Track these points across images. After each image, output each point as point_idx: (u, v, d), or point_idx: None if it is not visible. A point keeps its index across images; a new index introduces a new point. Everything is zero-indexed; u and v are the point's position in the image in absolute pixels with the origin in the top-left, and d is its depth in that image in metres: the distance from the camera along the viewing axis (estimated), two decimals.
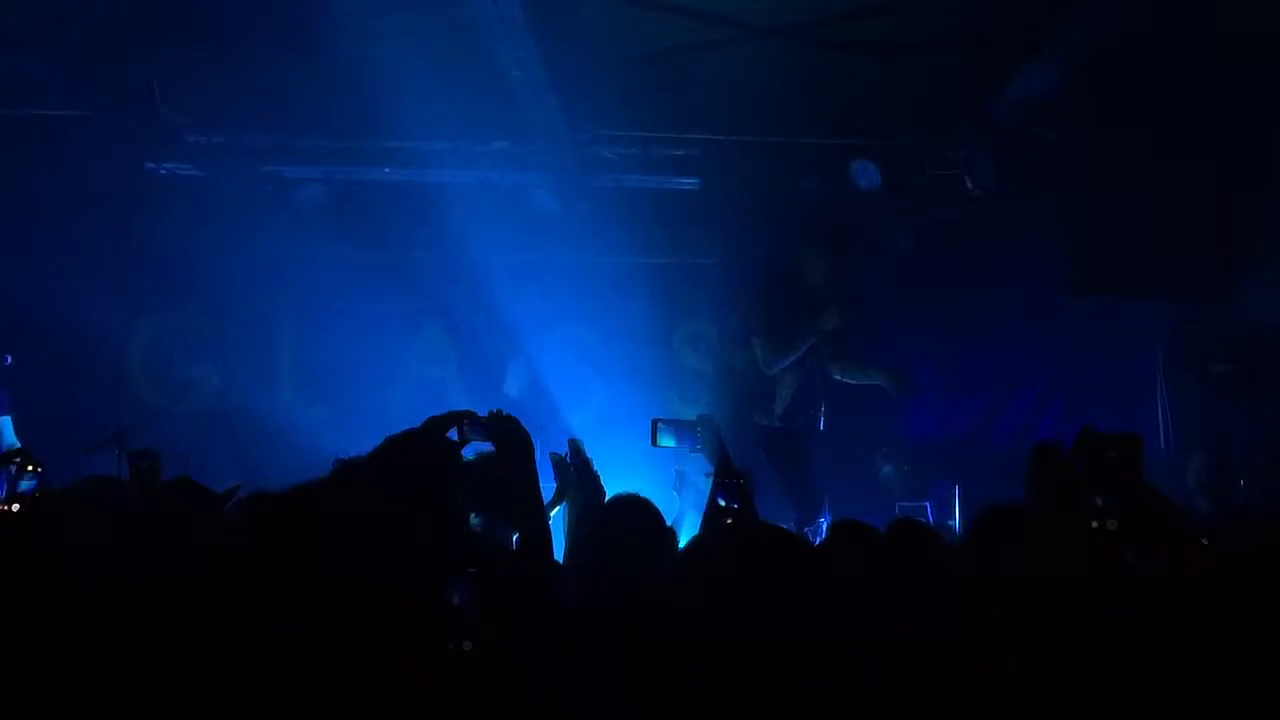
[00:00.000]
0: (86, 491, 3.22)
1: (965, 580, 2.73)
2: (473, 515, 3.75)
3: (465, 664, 2.13)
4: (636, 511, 3.49)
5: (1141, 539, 2.25)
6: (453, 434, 3.49)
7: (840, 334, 7.18)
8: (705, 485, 5.71)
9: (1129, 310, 8.15)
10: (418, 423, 3.75)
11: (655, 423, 3.38)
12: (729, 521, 3.01)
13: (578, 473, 4.81)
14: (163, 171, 8.34)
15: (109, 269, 8.89)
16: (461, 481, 2.80)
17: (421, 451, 2.67)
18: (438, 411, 3.74)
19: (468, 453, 3.87)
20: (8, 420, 7.49)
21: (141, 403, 8.74)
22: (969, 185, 7.28)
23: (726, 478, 3.10)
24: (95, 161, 8.06)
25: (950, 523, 7.47)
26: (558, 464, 4.64)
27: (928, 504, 7.86)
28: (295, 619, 2.03)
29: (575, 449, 4.95)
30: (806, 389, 7.45)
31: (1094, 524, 2.23)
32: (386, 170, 8.14)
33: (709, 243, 8.99)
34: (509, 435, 3.17)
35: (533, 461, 3.20)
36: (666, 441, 3.33)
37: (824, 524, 7.16)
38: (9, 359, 7.33)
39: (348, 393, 8.95)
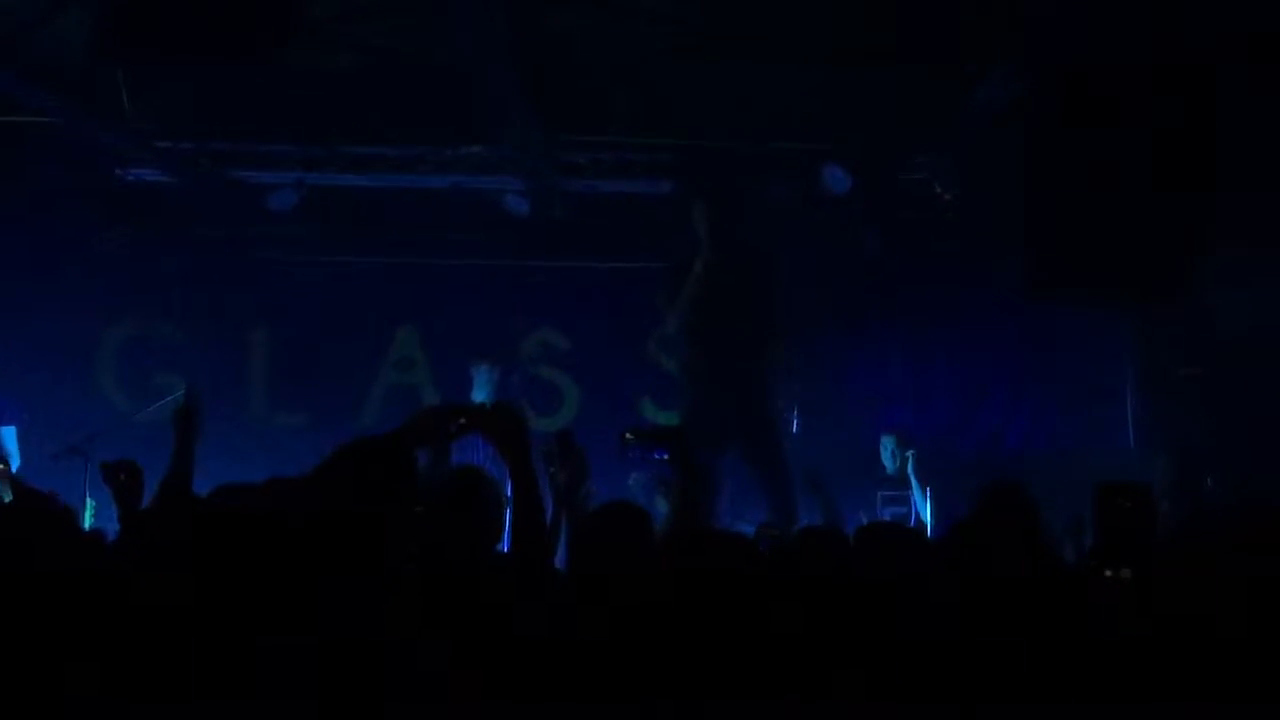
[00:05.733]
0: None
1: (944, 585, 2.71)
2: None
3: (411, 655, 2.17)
4: (625, 518, 3.49)
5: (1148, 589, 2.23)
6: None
7: None
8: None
9: (1096, 313, 8.20)
10: (388, 428, 3.75)
11: (624, 433, 3.37)
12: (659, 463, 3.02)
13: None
14: (131, 178, 8.28)
15: (78, 276, 8.84)
16: (412, 482, 2.78)
17: (368, 457, 2.66)
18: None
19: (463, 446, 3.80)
20: (12, 430, 7.52)
21: (110, 409, 8.67)
22: (938, 189, 7.33)
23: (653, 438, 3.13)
24: (62, 169, 8.00)
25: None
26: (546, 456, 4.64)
27: (914, 494, 7.79)
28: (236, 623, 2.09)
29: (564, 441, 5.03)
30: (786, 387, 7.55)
31: (1107, 573, 2.20)
32: (357, 176, 8.11)
33: (683, 246, 8.99)
34: (508, 427, 3.07)
35: (529, 455, 3.08)
36: (635, 453, 3.34)
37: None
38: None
39: (320, 399, 8.91)
